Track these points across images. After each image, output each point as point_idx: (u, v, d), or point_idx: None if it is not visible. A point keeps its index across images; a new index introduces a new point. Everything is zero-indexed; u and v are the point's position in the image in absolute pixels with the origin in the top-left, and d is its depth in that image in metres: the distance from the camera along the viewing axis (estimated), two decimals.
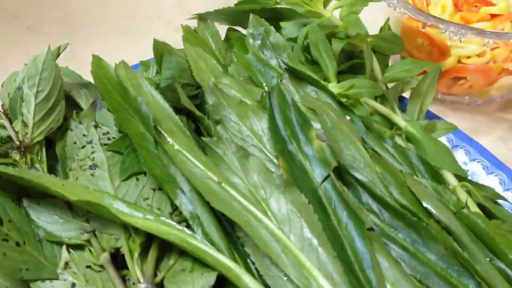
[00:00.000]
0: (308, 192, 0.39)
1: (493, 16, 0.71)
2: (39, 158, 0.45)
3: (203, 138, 0.43)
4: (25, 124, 0.45)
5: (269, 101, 0.45)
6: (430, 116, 0.58)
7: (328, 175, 0.40)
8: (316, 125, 0.44)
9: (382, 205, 0.40)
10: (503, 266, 0.39)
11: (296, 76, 0.52)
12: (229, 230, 0.40)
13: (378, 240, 0.37)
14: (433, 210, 0.39)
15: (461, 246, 0.38)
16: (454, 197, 0.43)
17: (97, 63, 0.46)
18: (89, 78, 0.56)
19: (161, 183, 0.42)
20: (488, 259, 0.38)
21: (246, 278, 0.36)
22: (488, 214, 0.45)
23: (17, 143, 0.44)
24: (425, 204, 0.40)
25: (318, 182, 0.40)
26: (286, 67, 0.52)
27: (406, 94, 0.59)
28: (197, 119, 0.49)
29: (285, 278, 0.35)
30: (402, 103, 0.60)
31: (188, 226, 0.41)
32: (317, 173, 0.40)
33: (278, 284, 0.35)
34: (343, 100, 0.50)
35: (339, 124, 0.43)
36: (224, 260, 0.37)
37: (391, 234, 0.38)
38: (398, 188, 0.40)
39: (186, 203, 0.41)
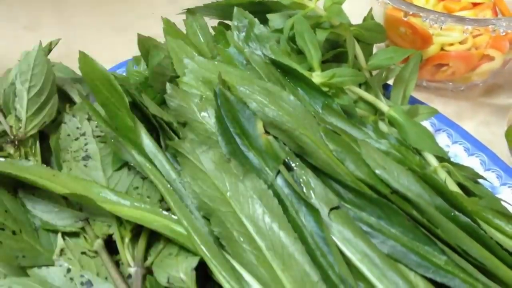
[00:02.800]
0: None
1: (474, 4, 0.71)
2: (33, 151, 0.45)
3: (168, 142, 0.43)
4: (18, 119, 0.45)
5: (216, 104, 0.43)
6: (414, 102, 0.58)
7: (279, 171, 0.39)
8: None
9: (342, 186, 0.39)
10: (466, 219, 0.39)
11: (281, 67, 0.52)
12: None
13: (346, 217, 0.37)
14: (388, 180, 0.39)
15: (421, 212, 0.38)
16: (417, 158, 0.43)
17: (83, 60, 0.45)
18: None
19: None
20: (451, 212, 0.39)
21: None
22: (468, 192, 0.46)
23: (11, 137, 0.44)
24: (377, 172, 0.39)
25: (273, 176, 0.39)
26: (269, 59, 0.52)
27: (391, 82, 0.59)
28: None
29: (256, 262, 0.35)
30: (387, 90, 0.60)
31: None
32: (271, 168, 0.40)
33: (251, 267, 0.36)
34: (325, 89, 0.50)
35: (287, 109, 0.43)
36: (200, 245, 0.37)
37: (356, 213, 0.38)
38: (353, 162, 0.40)
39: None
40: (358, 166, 0.41)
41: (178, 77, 0.50)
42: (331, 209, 0.37)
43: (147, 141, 0.43)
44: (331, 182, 0.40)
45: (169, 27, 0.58)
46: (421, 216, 0.38)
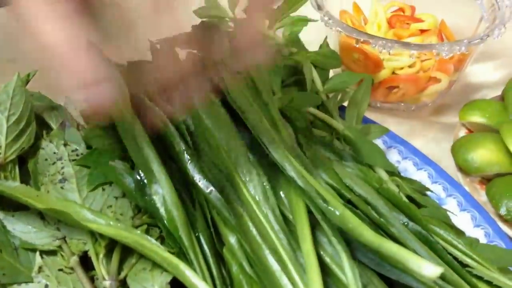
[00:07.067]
0: None
1: (422, 31, 0.74)
2: (12, 175, 0.45)
3: None
4: None
5: None
6: (367, 121, 0.60)
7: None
8: None
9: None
10: (418, 228, 0.42)
11: None
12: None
13: None
14: (353, 186, 0.42)
15: (379, 214, 0.41)
16: (376, 175, 0.47)
17: None
18: (61, 102, 0.57)
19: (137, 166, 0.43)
20: (405, 222, 0.42)
21: (190, 274, 0.37)
22: (416, 204, 0.48)
23: None
24: (346, 182, 0.43)
25: None
26: None
27: (346, 104, 0.61)
28: None
29: None
30: (342, 111, 0.62)
31: (150, 226, 0.43)
32: None
33: None
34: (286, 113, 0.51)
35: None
36: (171, 259, 0.38)
37: None
38: (325, 172, 0.44)
39: (157, 188, 0.41)
40: (328, 175, 0.44)
41: None
42: None
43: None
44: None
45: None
46: (380, 217, 0.40)
